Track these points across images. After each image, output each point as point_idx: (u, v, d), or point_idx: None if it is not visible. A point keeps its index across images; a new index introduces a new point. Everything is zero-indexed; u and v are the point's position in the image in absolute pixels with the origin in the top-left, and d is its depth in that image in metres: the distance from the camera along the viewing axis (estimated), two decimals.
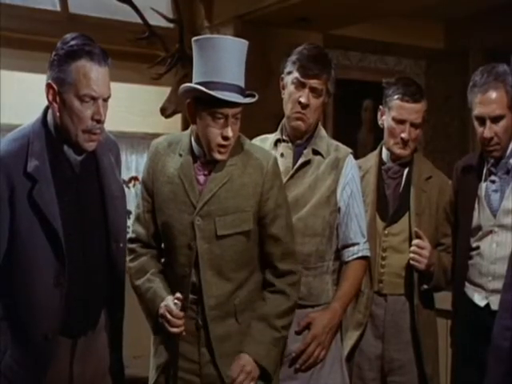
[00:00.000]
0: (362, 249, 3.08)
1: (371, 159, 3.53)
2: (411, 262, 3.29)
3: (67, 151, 2.57)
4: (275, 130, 3.22)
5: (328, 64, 3.08)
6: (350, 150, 3.13)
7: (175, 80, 5.76)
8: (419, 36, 7.35)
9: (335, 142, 3.16)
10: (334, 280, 3.11)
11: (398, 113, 3.36)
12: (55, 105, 2.51)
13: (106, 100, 2.54)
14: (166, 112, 5.72)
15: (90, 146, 2.55)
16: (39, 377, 2.52)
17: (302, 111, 3.05)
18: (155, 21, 5.77)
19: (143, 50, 5.78)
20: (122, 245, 2.72)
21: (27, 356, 2.52)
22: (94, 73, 2.48)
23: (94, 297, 2.64)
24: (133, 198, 6.02)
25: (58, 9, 5.79)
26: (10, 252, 2.47)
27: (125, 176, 5.84)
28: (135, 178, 5.94)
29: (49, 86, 2.51)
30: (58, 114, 2.51)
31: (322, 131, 3.16)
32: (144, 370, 5.11)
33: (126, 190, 5.64)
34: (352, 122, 7.67)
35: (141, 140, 6.21)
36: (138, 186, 6.00)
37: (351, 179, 3.07)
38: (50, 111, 2.58)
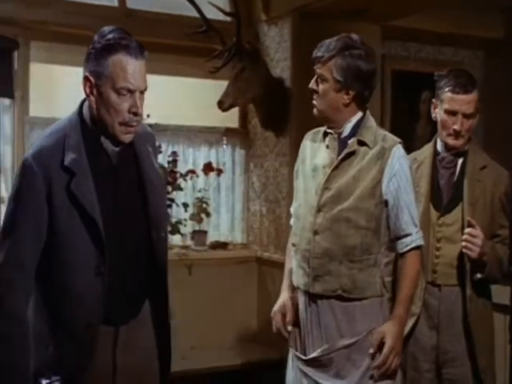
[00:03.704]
0: (415, 239, 3.02)
1: (426, 150, 3.52)
2: (463, 250, 3.26)
3: (104, 142, 2.60)
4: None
5: (331, 50, 2.97)
6: (398, 140, 3.03)
7: (232, 73, 5.79)
8: (477, 26, 7.24)
9: (384, 132, 3.07)
10: (390, 271, 3.09)
11: (449, 105, 3.35)
12: (92, 97, 2.54)
13: (142, 92, 2.56)
14: (223, 105, 5.74)
15: (127, 137, 2.58)
16: (83, 366, 2.55)
17: (312, 97, 3.06)
18: (212, 14, 5.79)
19: (200, 43, 5.81)
20: (163, 234, 2.74)
21: (70, 345, 2.55)
22: (131, 66, 2.50)
23: (134, 285, 2.67)
24: (189, 191, 6.07)
25: (116, 4, 5.86)
26: (51, 244, 2.52)
27: (182, 169, 5.90)
28: (192, 172, 5.99)
29: (86, 78, 2.54)
30: (94, 106, 2.55)
31: (370, 121, 3.07)
32: (200, 362, 5.12)
33: (183, 182, 5.75)
34: (410, 114, 7.60)
35: (198, 133, 6.26)
36: (195, 178, 6.05)
37: (398, 170, 2.97)
38: (85, 104, 2.61)
